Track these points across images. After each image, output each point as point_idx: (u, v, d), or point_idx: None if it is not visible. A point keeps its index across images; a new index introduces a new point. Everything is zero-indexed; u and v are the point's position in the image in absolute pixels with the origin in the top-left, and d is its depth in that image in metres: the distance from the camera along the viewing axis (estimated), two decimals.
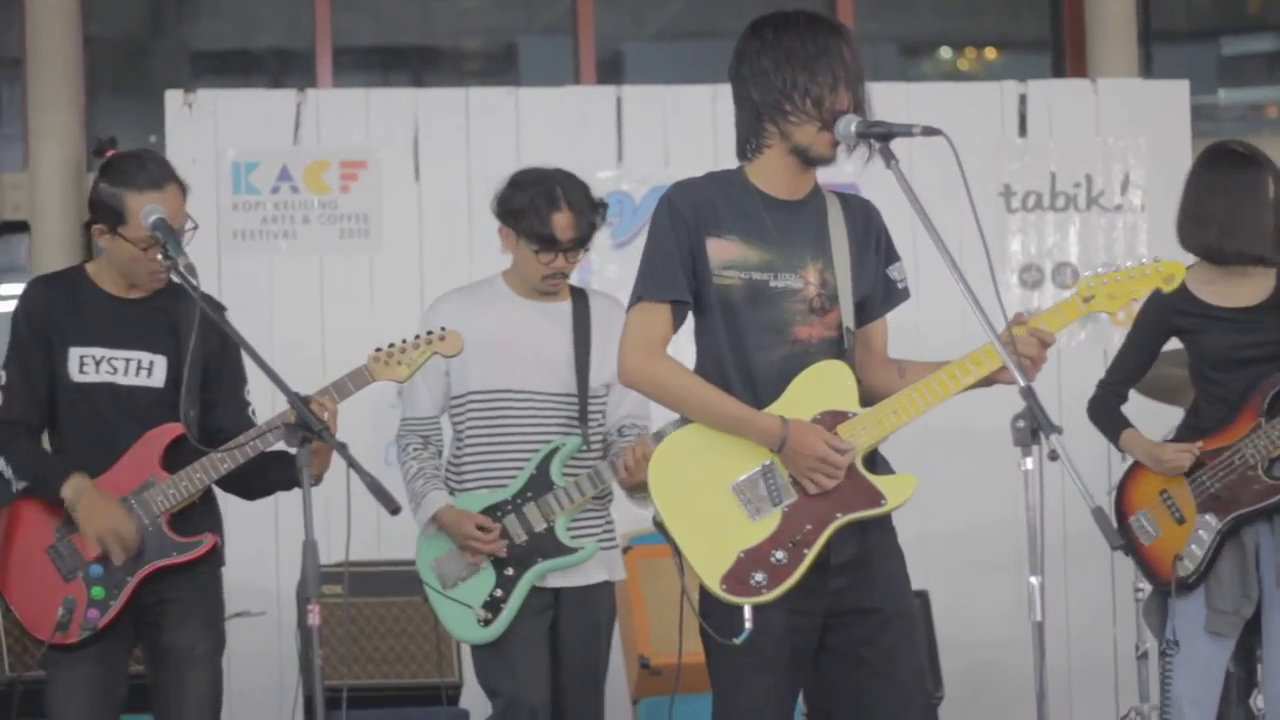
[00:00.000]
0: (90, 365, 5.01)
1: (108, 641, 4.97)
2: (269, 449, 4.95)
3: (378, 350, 5.08)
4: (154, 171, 4.94)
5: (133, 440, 4.99)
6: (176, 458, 4.99)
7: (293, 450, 4.47)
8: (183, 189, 4.98)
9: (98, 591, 4.92)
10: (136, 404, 5.01)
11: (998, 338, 3.97)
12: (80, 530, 4.90)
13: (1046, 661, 3.89)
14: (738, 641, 4.10)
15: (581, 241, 5.59)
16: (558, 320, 5.65)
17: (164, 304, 5.06)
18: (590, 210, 5.59)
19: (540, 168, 5.71)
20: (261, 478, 5.09)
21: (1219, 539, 5.60)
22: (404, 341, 5.11)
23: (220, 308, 4.95)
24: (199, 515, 5.06)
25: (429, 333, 5.15)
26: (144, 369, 5.03)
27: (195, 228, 4.95)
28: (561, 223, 5.54)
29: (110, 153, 5.05)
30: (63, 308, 5.04)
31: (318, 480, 4.82)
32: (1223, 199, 5.62)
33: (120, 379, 5.01)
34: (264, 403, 5.23)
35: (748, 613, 4.11)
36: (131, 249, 4.92)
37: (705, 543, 4.16)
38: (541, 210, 5.53)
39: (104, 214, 4.95)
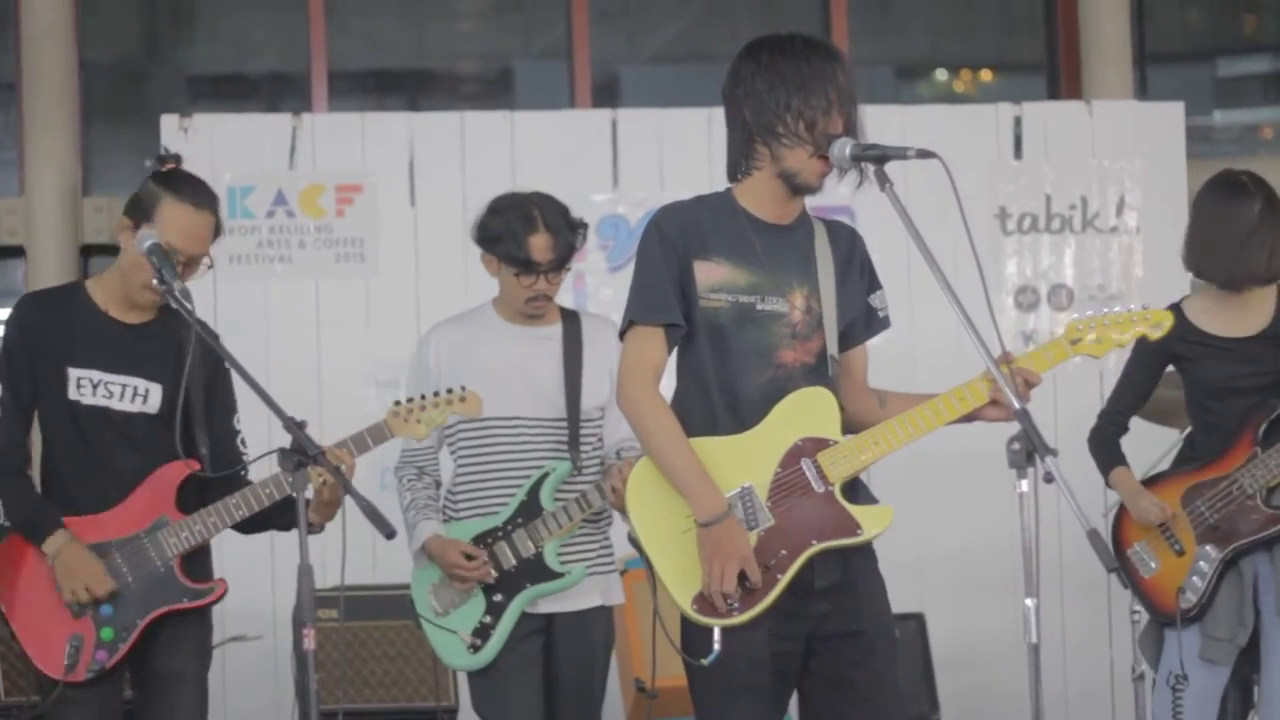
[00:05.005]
0: (87, 388, 4.92)
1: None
2: (281, 497, 4.88)
3: (397, 404, 5.06)
4: (200, 193, 4.91)
5: (128, 465, 4.92)
6: (186, 497, 4.94)
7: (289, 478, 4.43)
8: (216, 223, 4.95)
9: (107, 633, 4.84)
10: (132, 430, 4.93)
11: (993, 361, 3.98)
12: (59, 582, 4.81)
13: (1042, 683, 3.89)
14: (705, 663, 4.09)
15: (560, 263, 5.56)
16: (547, 344, 5.63)
17: (162, 331, 4.98)
18: (568, 231, 5.56)
19: (517, 191, 5.72)
20: (261, 518, 4.97)
21: (1219, 570, 5.60)
22: (423, 399, 5.09)
23: (213, 335, 4.91)
24: (203, 556, 5.00)
25: (449, 391, 5.15)
26: (140, 396, 4.94)
27: (210, 266, 4.92)
28: (539, 245, 5.52)
29: (169, 165, 4.97)
30: (59, 326, 4.94)
31: (319, 528, 4.81)
32: (1230, 229, 5.61)
33: (115, 404, 4.92)
34: (260, 427, 5.21)
35: (717, 634, 4.10)
36: (138, 255, 4.82)
37: (679, 562, 4.15)
38: (518, 234, 5.53)
39: (136, 208, 4.88)
